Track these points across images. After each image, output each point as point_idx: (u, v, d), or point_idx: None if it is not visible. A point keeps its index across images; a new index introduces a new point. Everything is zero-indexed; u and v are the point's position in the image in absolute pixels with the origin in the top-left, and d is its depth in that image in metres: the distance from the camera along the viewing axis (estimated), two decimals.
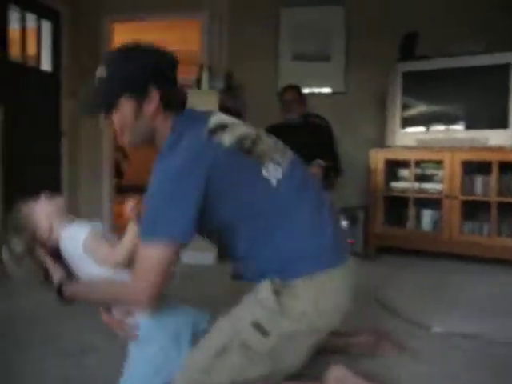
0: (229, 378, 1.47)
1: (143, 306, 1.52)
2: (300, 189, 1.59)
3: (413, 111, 4.04)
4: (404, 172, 4.04)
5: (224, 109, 3.78)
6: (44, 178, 4.82)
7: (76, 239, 1.60)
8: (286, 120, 4.02)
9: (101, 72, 1.55)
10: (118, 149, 6.45)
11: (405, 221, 3.98)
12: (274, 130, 4.05)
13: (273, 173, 1.55)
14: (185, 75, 6.70)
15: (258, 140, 1.59)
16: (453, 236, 3.75)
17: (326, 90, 4.76)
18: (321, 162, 3.55)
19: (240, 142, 1.53)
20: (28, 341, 2.16)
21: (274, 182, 1.54)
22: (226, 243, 1.62)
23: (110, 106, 1.56)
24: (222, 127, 1.55)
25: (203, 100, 3.68)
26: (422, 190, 3.94)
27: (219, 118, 1.61)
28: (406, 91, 3.98)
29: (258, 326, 1.47)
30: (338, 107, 4.66)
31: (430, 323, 2.35)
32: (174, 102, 1.59)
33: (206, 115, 1.61)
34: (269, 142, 1.63)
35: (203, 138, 1.49)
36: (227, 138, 1.51)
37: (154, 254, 1.43)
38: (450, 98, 3.91)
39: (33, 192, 4.37)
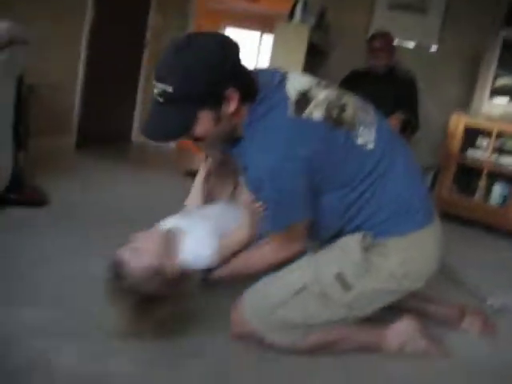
0: (300, 317, 1.50)
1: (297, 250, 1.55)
2: (392, 144, 1.55)
3: (505, 81, 3.85)
4: (483, 141, 3.89)
5: (312, 46, 3.71)
6: (122, 83, 4.90)
7: (201, 258, 1.55)
8: (371, 67, 3.90)
9: (164, 88, 1.30)
10: None
11: (473, 191, 3.87)
12: (357, 76, 3.98)
13: (366, 137, 1.48)
14: (275, 6, 6.60)
15: (343, 104, 1.47)
16: None
17: (417, 43, 4.57)
18: (401, 114, 3.46)
19: (328, 113, 1.42)
20: None
21: (370, 146, 1.48)
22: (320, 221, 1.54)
23: (187, 128, 1.36)
24: (305, 98, 1.42)
25: (293, 34, 3.60)
26: (497, 164, 3.80)
27: (294, 83, 1.47)
28: (503, 59, 3.77)
29: (341, 279, 1.48)
30: (425, 63, 4.48)
31: (484, 296, 2.32)
32: (252, 90, 1.41)
33: (281, 85, 1.45)
34: (352, 102, 1.52)
35: (291, 119, 1.39)
36: (315, 112, 1.41)
37: (287, 233, 1.48)
38: None
39: (109, 96, 4.47)
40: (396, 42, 4.38)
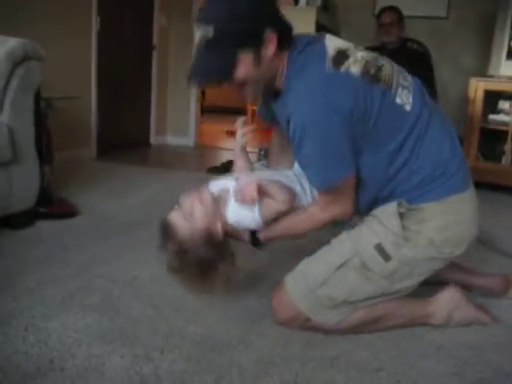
0: (343, 293, 1.49)
1: (344, 217, 1.54)
2: (429, 108, 1.52)
3: None
4: (505, 104, 3.83)
5: (320, 27, 3.68)
6: (135, 89, 4.93)
7: (247, 220, 1.55)
8: (383, 43, 3.87)
9: (206, 32, 1.36)
10: None
11: (500, 156, 3.81)
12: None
13: (405, 98, 1.47)
14: None
15: (380, 65, 1.47)
16: None
17: (427, 13, 4.51)
18: None
19: (366, 69, 1.42)
20: None
21: (407, 107, 1.46)
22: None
23: (228, 69, 1.39)
24: (343, 54, 1.43)
25: (300, 17, 3.57)
26: None
27: (333, 42, 1.48)
28: None
29: (380, 250, 1.46)
30: (438, 32, 4.43)
31: None
32: (289, 36, 1.45)
33: (320, 41, 1.47)
34: (389, 64, 1.52)
35: (330, 71, 1.38)
36: (353, 67, 1.40)
37: (335, 190, 1.46)
38: None
39: (123, 103, 4.53)
40: (411, 13, 4.35)
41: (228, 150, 5.34)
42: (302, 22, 3.54)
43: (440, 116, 1.56)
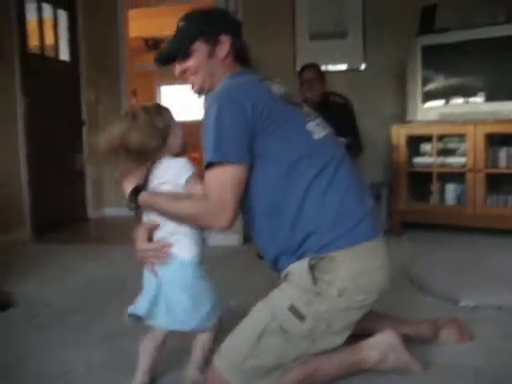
0: (270, 360, 1.49)
1: (222, 224, 1.52)
2: (340, 155, 1.60)
3: (433, 85, 3.99)
4: (426, 147, 4.00)
5: None
6: (67, 165, 4.89)
7: (182, 171, 1.61)
8: (305, 98, 4.00)
9: (179, 25, 1.71)
10: None
11: (428, 196, 3.96)
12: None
13: (317, 131, 1.59)
14: None
15: (302, 104, 1.69)
16: (477, 209, 3.72)
17: (344, 67, 4.73)
18: (342, 139, 3.54)
19: (287, 95, 1.63)
20: None
21: (316, 136, 1.58)
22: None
23: (186, 50, 1.67)
24: (274, 80, 1.67)
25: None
26: (445, 165, 3.90)
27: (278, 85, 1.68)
28: (426, 65, 3.92)
29: (294, 311, 1.48)
30: (357, 84, 4.62)
31: (458, 297, 2.36)
32: (244, 52, 1.73)
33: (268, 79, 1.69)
34: (310, 109, 1.70)
35: (254, 80, 1.64)
36: (276, 88, 1.62)
37: (223, 174, 1.50)
38: (471, 71, 3.85)
39: (57, 180, 4.47)
40: (329, 67, 4.55)
41: None
42: None
43: (349, 166, 1.62)
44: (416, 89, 3.97)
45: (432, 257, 3.17)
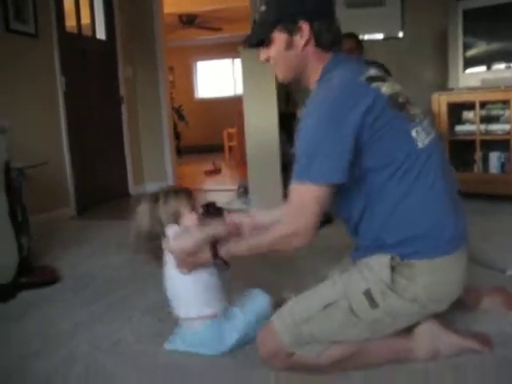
0: (325, 333, 1.51)
1: (303, 239, 1.49)
2: (442, 165, 1.54)
3: (475, 51, 3.89)
4: (469, 114, 3.92)
5: None
6: (107, 142, 4.98)
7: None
8: None
9: (262, 8, 1.61)
10: (174, 110, 6.55)
11: (472, 164, 3.88)
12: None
13: (421, 137, 1.50)
14: (238, 31, 6.72)
15: (410, 101, 1.54)
16: None
17: (384, 34, 4.63)
18: None
19: (395, 95, 1.49)
20: None
21: (420, 144, 1.48)
22: (353, 204, 1.56)
23: (264, 38, 1.59)
24: (382, 78, 1.52)
25: (257, 56, 3.64)
26: (488, 132, 3.82)
27: (376, 71, 1.57)
28: (467, 30, 3.82)
29: (369, 296, 1.48)
30: (396, 52, 4.53)
31: (504, 266, 2.32)
32: (326, 37, 1.56)
33: (364, 65, 1.61)
34: (419, 110, 1.57)
35: (360, 80, 1.48)
36: (383, 88, 1.48)
37: (312, 193, 1.44)
38: None
39: (98, 157, 4.57)
40: (368, 36, 4.46)
41: (207, 190, 5.38)
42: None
43: (448, 175, 1.57)
44: (457, 55, 3.87)
45: (477, 227, 3.09)
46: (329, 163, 1.42)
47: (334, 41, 1.58)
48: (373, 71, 1.54)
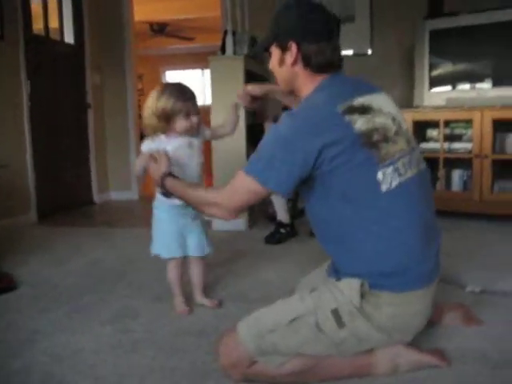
0: (289, 346, 1.50)
1: (220, 213, 1.64)
2: (412, 204, 1.53)
3: (441, 70, 3.97)
4: (433, 133, 4.00)
5: (249, 74, 3.77)
6: (72, 148, 4.90)
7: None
8: None
9: (270, 20, 1.69)
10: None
11: (435, 182, 3.95)
12: None
13: (388, 179, 1.47)
14: (209, 42, 6.72)
15: (391, 138, 1.50)
16: (484, 196, 3.72)
17: (351, 51, 4.69)
18: None
19: (370, 132, 1.46)
20: None
21: (384, 188, 1.46)
22: (328, 227, 1.59)
23: (262, 51, 1.75)
24: (364, 110, 1.49)
25: (229, 66, 3.66)
26: (451, 151, 3.89)
27: (371, 99, 1.55)
28: (434, 50, 3.90)
29: (336, 315, 1.48)
30: (364, 69, 4.59)
31: (464, 282, 2.36)
32: (316, 59, 1.59)
33: (357, 91, 1.56)
34: (402, 146, 1.53)
35: (334, 111, 1.46)
36: (360, 123, 1.46)
37: (248, 185, 1.53)
38: (478, 56, 3.82)
39: (62, 164, 4.49)
40: None
41: None
42: (231, 71, 3.63)
43: (431, 214, 1.61)
44: (423, 74, 3.95)
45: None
46: (270, 171, 1.48)
47: (327, 64, 1.60)
48: (361, 100, 1.52)
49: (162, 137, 2.05)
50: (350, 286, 1.50)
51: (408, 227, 1.51)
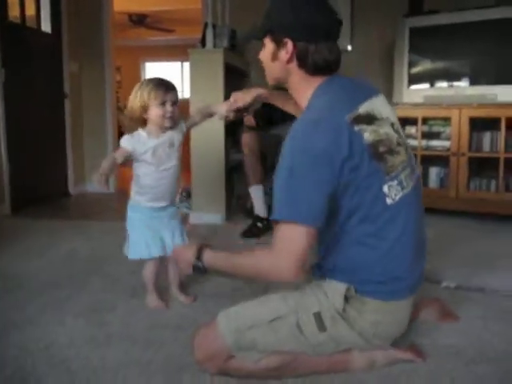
0: (267, 344, 1.50)
1: (289, 280, 1.43)
2: (414, 216, 1.53)
3: (420, 68, 3.98)
4: (411, 130, 4.01)
5: (229, 67, 3.75)
6: (48, 139, 4.81)
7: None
8: None
9: (264, 10, 1.58)
10: (120, 111, 6.42)
11: None
12: (280, 88, 4.03)
13: (392, 192, 1.45)
14: (189, 34, 6.66)
15: (395, 150, 1.48)
16: (460, 193, 3.75)
17: None
18: None
19: (377, 144, 1.43)
20: None
21: (389, 201, 1.44)
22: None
23: (254, 36, 1.65)
24: (370, 120, 1.45)
25: (208, 59, 3.63)
26: (429, 148, 3.92)
27: (372, 105, 1.50)
28: (413, 47, 3.90)
29: (318, 318, 1.48)
30: (343, 65, 4.56)
31: (439, 278, 2.38)
32: (312, 60, 1.48)
33: (358, 96, 1.51)
34: (403, 157, 1.51)
35: (343, 121, 1.39)
36: (367, 134, 1.41)
37: (297, 237, 1.38)
38: (457, 54, 3.84)
39: (37, 154, 4.41)
40: None
41: None
42: (211, 64, 3.60)
43: (422, 228, 1.59)
44: (402, 71, 3.96)
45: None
46: (308, 208, 1.37)
47: (324, 65, 1.50)
48: (364, 107, 1.47)
49: (143, 133, 2.02)
50: (334, 290, 1.50)
51: (404, 239, 1.50)
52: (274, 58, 1.55)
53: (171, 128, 2.05)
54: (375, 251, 1.48)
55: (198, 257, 1.60)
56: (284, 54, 1.51)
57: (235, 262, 1.55)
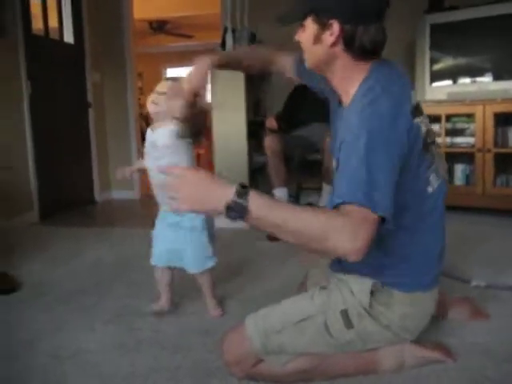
0: (295, 346, 1.50)
1: (346, 254, 1.18)
2: (441, 205, 1.52)
3: (442, 64, 3.95)
4: (435, 127, 3.96)
5: None
6: (74, 148, 4.88)
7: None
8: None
9: None
10: (142, 117, 6.48)
11: None
12: (302, 88, 4.01)
13: (433, 182, 1.45)
14: (208, 39, 6.70)
15: (435, 142, 1.48)
16: (486, 190, 3.71)
17: None
18: None
19: (426, 134, 1.41)
20: None
21: (430, 189, 1.45)
22: None
23: (295, 18, 1.46)
24: (420, 110, 1.42)
25: None
26: (453, 145, 3.88)
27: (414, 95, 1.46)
28: (435, 44, 3.88)
29: (345, 316, 1.48)
30: None
31: (469, 277, 2.35)
32: (360, 43, 1.36)
33: (406, 84, 1.44)
34: (438, 150, 1.52)
35: (406, 110, 1.34)
36: (422, 126, 1.40)
37: (373, 224, 1.18)
38: (479, 49, 3.80)
39: (64, 163, 4.47)
40: None
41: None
42: None
43: (443, 218, 1.57)
44: (424, 68, 3.93)
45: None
46: (387, 197, 1.23)
47: (371, 48, 1.39)
48: (413, 97, 1.42)
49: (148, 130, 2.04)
50: (360, 286, 1.49)
51: (435, 228, 1.52)
52: (317, 41, 1.41)
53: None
54: (410, 246, 1.47)
55: (239, 194, 1.26)
56: (328, 37, 1.38)
57: (296, 211, 1.23)
